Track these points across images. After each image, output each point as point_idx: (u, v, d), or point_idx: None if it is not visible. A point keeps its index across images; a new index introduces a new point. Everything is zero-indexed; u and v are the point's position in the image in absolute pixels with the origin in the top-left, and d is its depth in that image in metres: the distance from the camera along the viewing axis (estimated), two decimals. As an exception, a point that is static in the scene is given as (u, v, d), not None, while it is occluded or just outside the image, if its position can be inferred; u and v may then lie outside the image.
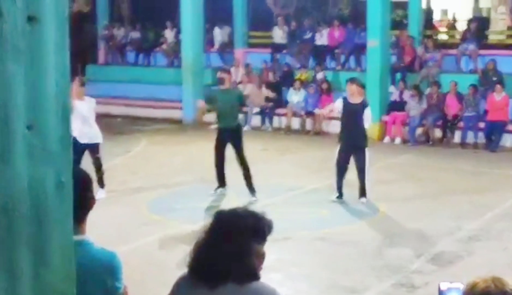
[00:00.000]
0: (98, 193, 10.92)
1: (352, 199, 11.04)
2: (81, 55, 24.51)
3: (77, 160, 10.69)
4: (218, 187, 11.30)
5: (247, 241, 2.83)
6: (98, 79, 22.40)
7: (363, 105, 11.00)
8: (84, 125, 10.74)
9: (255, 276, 2.87)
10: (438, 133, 16.92)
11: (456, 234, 9.47)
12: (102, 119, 19.37)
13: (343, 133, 11.12)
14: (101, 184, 11.07)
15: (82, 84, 11.08)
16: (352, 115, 10.89)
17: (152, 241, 9.06)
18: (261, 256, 2.92)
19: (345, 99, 11.20)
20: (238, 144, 11.04)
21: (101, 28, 24.59)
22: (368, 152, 10.88)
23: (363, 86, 11.64)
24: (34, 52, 1.95)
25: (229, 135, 11.04)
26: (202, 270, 2.85)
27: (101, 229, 8.84)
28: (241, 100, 11.64)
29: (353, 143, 10.87)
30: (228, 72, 12.25)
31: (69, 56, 2.10)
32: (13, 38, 1.88)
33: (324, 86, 18.66)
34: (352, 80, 11.33)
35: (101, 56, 25.00)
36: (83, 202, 3.00)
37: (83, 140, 10.70)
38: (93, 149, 10.93)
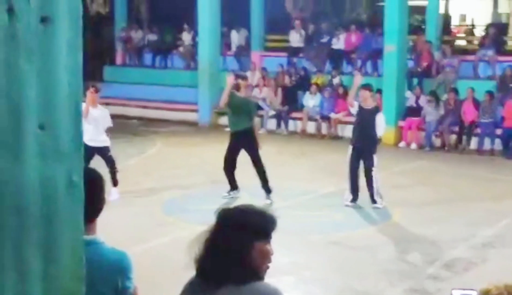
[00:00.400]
0: (112, 194, 10.99)
1: (366, 203, 11.00)
2: (99, 57, 24.64)
3: (86, 162, 10.77)
4: (231, 190, 11.30)
5: (246, 239, 2.72)
6: (115, 81, 22.52)
7: (376, 111, 11.07)
8: (94, 131, 10.82)
9: (257, 276, 2.76)
10: (454, 139, 16.83)
11: (470, 241, 9.42)
12: (118, 120, 19.51)
13: (354, 137, 11.24)
14: (115, 182, 11.11)
15: (97, 91, 11.16)
16: (364, 121, 10.96)
17: (165, 242, 9.07)
18: (265, 254, 2.79)
19: (359, 105, 11.25)
20: (252, 147, 11.01)
21: (119, 30, 24.69)
22: (376, 158, 10.86)
23: (377, 92, 11.67)
24: (46, 52, 1.96)
25: (241, 139, 11.02)
26: (206, 271, 2.78)
27: (114, 230, 8.87)
28: (250, 112, 11.30)
29: (362, 147, 10.91)
30: (245, 78, 12.14)
31: (81, 57, 2.11)
32: (26, 38, 1.90)
33: (340, 90, 18.62)
34: (365, 86, 11.39)
35: (119, 58, 25.10)
36: (94, 202, 3.01)
37: (92, 143, 10.80)
38: (103, 150, 10.99)
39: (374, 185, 10.85)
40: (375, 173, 10.84)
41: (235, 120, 11.19)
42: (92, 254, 2.85)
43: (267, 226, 2.81)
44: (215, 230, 2.79)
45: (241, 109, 11.06)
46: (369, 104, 11.13)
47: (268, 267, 2.82)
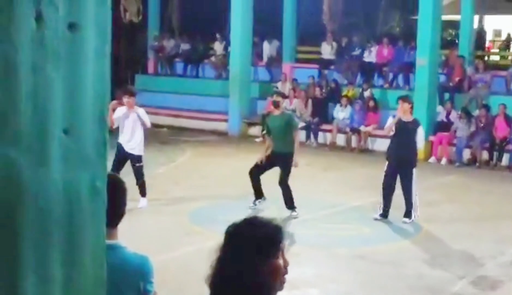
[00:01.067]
0: (140, 202, 11.05)
1: (394, 218, 10.92)
2: (131, 65, 24.86)
3: (118, 165, 10.87)
4: (256, 199, 11.26)
5: (253, 256, 2.53)
6: (146, 89, 22.67)
7: (416, 124, 10.93)
8: (131, 134, 10.95)
9: (273, 291, 2.58)
10: (485, 155, 16.66)
11: (498, 258, 9.30)
12: (149, 129, 19.62)
13: (392, 151, 10.98)
14: (143, 192, 11.17)
15: (132, 94, 11.23)
16: (404, 134, 10.79)
17: (192, 251, 9.08)
18: (278, 270, 2.59)
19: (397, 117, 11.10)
20: (286, 170, 10.95)
21: (151, 38, 24.89)
22: (416, 172, 10.76)
23: (412, 102, 11.56)
24: (73, 59, 1.98)
25: (280, 160, 10.96)
26: (216, 290, 2.64)
27: (141, 237, 8.91)
28: (291, 124, 11.25)
29: (402, 162, 10.77)
30: (284, 96, 12.20)
31: (109, 64, 2.13)
32: (53, 44, 1.92)
33: (371, 104, 18.57)
34: (404, 98, 11.24)
35: (150, 66, 25.30)
36: (116, 207, 3.03)
37: (126, 147, 10.96)
38: (134, 158, 11.08)
39: (413, 200, 10.73)
40: (414, 187, 10.72)
41: (279, 143, 11.01)
42: (115, 258, 2.88)
43: (277, 238, 2.62)
44: (222, 248, 2.65)
45: (282, 128, 10.99)
46: (408, 117, 11.00)
47: (284, 280, 2.62)
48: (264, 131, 11.28)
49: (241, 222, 2.67)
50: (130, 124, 11.01)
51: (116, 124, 10.87)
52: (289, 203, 10.96)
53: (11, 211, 1.89)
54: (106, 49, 2.10)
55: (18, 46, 1.86)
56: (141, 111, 11.21)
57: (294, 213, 10.91)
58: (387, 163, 10.92)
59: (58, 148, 1.96)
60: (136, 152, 11.10)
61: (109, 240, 2.85)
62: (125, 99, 11.06)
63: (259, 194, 11.25)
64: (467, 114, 16.88)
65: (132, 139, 11.05)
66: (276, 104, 11.26)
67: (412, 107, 11.28)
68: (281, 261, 2.59)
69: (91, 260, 2.09)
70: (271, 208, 11.20)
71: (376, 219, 10.91)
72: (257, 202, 11.26)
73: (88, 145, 2.04)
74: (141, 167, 11.18)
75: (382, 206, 10.91)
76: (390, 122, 11.04)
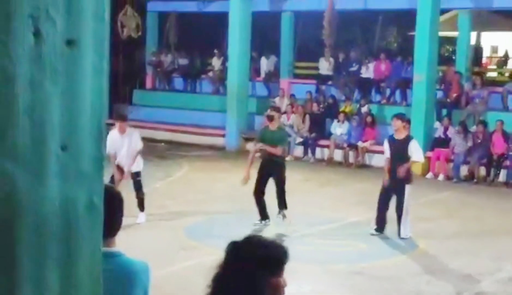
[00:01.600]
0: (139, 217, 11.05)
1: (391, 234, 10.91)
2: (129, 80, 24.90)
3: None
4: (263, 219, 11.19)
5: (260, 276, 2.53)
6: (144, 104, 22.71)
7: (408, 140, 10.98)
8: (127, 157, 10.99)
9: None
10: (483, 171, 16.67)
11: (496, 275, 9.29)
12: (146, 143, 19.61)
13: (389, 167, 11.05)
14: (141, 207, 11.18)
15: (124, 120, 11.30)
16: (397, 151, 10.88)
17: (189, 266, 9.06)
18: (279, 289, 2.60)
19: (390, 137, 11.18)
20: (280, 177, 11.00)
21: (149, 54, 24.95)
22: (409, 189, 10.77)
23: (408, 121, 11.60)
24: (71, 74, 1.99)
25: (272, 168, 11.00)
26: None
27: (138, 252, 8.87)
28: (282, 142, 11.38)
29: (396, 178, 10.79)
30: (279, 110, 12.24)
31: (107, 80, 2.14)
32: (51, 60, 1.93)
33: (368, 119, 18.60)
34: (397, 116, 11.33)
35: (148, 81, 25.34)
36: (111, 220, 3.04)
37: (125, 169, 11.05)
38: (133, 174, 11.10)
39: (403, 218, 10.73)
40: (406, 205, 10.73)
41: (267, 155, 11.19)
42: (114, 264, 2.92)
43: (281, 259, 2.65)
44: (222, 266, 2.63)
45: (273, 142, 11.04)
46: (401, 134, 11.04)
47: None
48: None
49: (246, 243, 2.65)
50: (125, 148, 11.05)
51: (111, 151, 10.86)
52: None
53: (7, 226, 1.89)
54: (104, 65, 2.11)
55: (16, 61, 1.87)
56: (135, 135, 11.23)
57: (283, 212, 10.95)
58: (384, 179, 10.97)
59: (55, 163, 1.96)
60: (134, 169, 11.13)
61: (109, 248, 2.91)
62: (117, 124, 11.11)
63: (264, 215, 11.19)
64: (464, 128, 16.91)
65: (128, 161, 11.07)
66: (271, 118, 11.27)
67: (407, 125, 11.34)
68: (283, 281, 2.59)
69: (88, 275, 2.09)
70: (272, 225, 11.19)
71: (372, 234, 10.90)
72: (263, 222, 11.16)
73: (85, 161, 2.04)
74: (140, 180, 11.23)
75: (376, 220, 10.93)
76: (384, 147, 11.18)
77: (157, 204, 12.34)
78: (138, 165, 11.25)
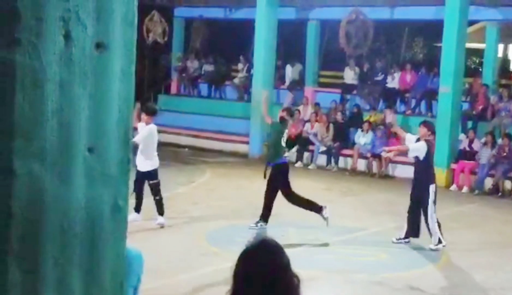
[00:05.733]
0: (158, 220, 11.06)
1: (414, 245, 10.84)
2: (155, 85, 25.04)
3: (138, 184, 10.93)
4: (259, 221, 11.29)
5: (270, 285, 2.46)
6: (169, 109, 22.78)
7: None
8: (140, 156, 11.01)
9: None
10: (508, 185, 16.51)
11: (519, 290, 9.19)
12: (170, 148, 19.70)
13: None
14: (160, 211, 11.16)
15: (147, 112, 11.26)
16: (416, 157, 10.97)
17: (209, 272, 9.06)
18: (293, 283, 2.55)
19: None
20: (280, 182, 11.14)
21: (175, 59, 25.05)
22: (433, 188, 10.68)
23: (433, 131, 11.48)
24: (100, 78, 2.01)
25: (272, 173, 11.13)
26: None
27: (158, 257, 8.92)
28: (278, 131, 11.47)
29: (417, 185, 10.84)
30: (291, 113, 12.35)
31: (134, 84, 2.15)
32: (80, 62, 1.95)
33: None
34: (425, 123, 11.38)
35: (173, 87, 25.44)
36: None
37: (139, 166, 11.04)
38: (147, 174, 11.09)
39: (429, 222, 10.65)
40: (430, 211, 10.66)
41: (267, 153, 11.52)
42: None
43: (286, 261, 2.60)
44: (235, 278, 2.58)
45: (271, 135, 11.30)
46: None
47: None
48: (286, 154, 11.45)
49: (255, 250, 2.68)
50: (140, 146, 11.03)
51: (140, 143, 10.89)
52: (309, 209, 11.07)
53: (34, 226, 1.91)
54: (132, 69, 2.13)
55: (46, 63, 1.89)
56: (144, 129, 11.10)
57: (325, 213, 10.99)
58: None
59: (81, 166, 1.98)
60: (147, 167, 11.08)
61: None
62: (143, 116, 11.12)
63: (316, 208, 11.21)
64: (492, 138, 16.76)
65: (142, 155, 11.03)
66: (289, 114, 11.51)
67: (432, 135, 11.23)
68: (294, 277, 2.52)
69: (110, 278, 2.10)
70: (290, 231, 11.17)
71: (397, 242, 10.84)
72: (259, 224, 11.24)
73: (111, 164, 2.06)
74: (156, 184, 11.14)
75: (405, 229, 10.89)
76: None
77: (179, 209, 12.37)
78: (146, 165, 11.06)
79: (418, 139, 11.02)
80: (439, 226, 10.71)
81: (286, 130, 11.65)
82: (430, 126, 11.27)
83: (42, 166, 1.91)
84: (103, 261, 2.09)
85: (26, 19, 1.82)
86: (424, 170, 10.86)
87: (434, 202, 10.70)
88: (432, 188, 10.72)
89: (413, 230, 10.89)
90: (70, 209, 1.97)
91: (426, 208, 10.65)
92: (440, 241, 10.67)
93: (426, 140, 10.94)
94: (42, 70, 1.88)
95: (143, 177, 11.05)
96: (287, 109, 12.21)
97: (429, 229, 10.69)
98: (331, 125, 19.49)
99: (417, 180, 10.91)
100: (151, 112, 11.35)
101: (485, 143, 16.81)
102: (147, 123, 11.09)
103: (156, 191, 11.12)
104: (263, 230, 10.99)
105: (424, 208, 10.70)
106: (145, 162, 11.04)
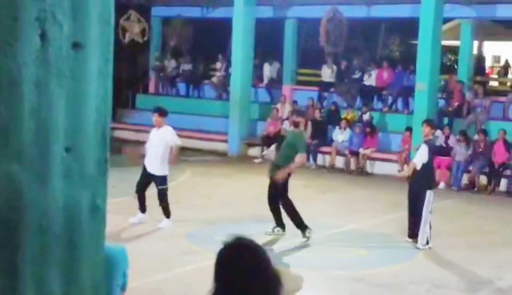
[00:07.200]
0: (164, 222, 11.11)
1: (392, 242, 10.92)
2: (133, 84, 24.93)
3: (142, 185, 10.90)
4: (275, 227, 11.08)
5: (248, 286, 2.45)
6: (147, 109, 22.68)
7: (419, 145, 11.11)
8: (152, 156, 11.08)
9: None
10: (483, 180, 16.67)
11: (496, 283, 9.27)
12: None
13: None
14: (166, 214, 11.26)
15: (161, 115, 11.30)
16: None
17: (190, 270, 9.06)
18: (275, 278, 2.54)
19: (425, 142, 11.18)
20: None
21: (153, 58, 24.98)
22: (429, 195, 10.70)
23: (435, 126, 11.58)
24: (77, 77, 2.01)
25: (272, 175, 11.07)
26: None
27: (140, 256, 8.90)
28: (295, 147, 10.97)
29: (411, 186, 10.93)
30: (302, 114, 12.08)
31: (111, 83, 2.15)
32: (57, 62, 1.95)
33: (370, 127, 18.61)
34: (424, 121, 11.50)
35: (152, 86, 25.36)
36: None
37: (149, 169, 11.06)
38: (157, 179, 11.14)
39: (421, 227, 10.69)
40: (425, 212, 10.68)
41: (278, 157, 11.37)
42: None
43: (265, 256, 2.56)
44: (215, 276, 2.57)
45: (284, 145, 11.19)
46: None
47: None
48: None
49: (231, 247, 2.65)
50: (155, 143, 11.02)
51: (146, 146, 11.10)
52: (296, 222, 10.84)
53: (12, 226, 1.91)
54: (109, 68, 2.13)
55: (22, 63, 1.88)
56: (169, 131, 11.17)
57: (308, 233, 10.74)
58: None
59: (59, 166, 1.98)
60: (158, 172, 11.09)
61: None
62: (153, 117, 11.11)
63: (280, 222, 11.08)
64: (465, 137, 16.90)
65: (154, 159, 11.05)
66: (296, 125, 11.24)
67: (435, 130, 11.27)
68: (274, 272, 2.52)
69: (90, 277, 2.10)
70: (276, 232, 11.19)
71: (420, 248, 10.75)
72: (275, 229, 11.07)
73: (89, 164, 2.06)
74: (165, 189, 11.19)
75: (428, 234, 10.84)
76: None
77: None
78: (164, 169, 11.11)
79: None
80: (430, 227, 10.75)
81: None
82: (432, 124, 11.41)
83: (19, 166, 1.91)
84: (82, 260, 2.09)
85: (2, 19, 1.82)
86: (424, 169, 10.88)
87: (430, 212, 10.71)
88: (429, 193, 10.71)
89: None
90: (48, 209, 1.97)
91: (421, 209, 10.67)
92: (427, 242, 10.73)
93: (426, 142, 11.03)
94: (18, 70, 1.88)
95: (151, 180, 11.14)
96: (298, 112, 12.22)
97: (419, 228, 10.71)
98: (309, 123, 19.53)
99: (418, 176, 10.86)
100: (165, 113, 11.46)
101: (459, 141, 16.95)
102: (159, 125, 11.07)
103: (163, 196, 11.21)
104: (280, 235, 10.94)
105: (419, 209, 10.69)
106: (161, 166, 11.10)
